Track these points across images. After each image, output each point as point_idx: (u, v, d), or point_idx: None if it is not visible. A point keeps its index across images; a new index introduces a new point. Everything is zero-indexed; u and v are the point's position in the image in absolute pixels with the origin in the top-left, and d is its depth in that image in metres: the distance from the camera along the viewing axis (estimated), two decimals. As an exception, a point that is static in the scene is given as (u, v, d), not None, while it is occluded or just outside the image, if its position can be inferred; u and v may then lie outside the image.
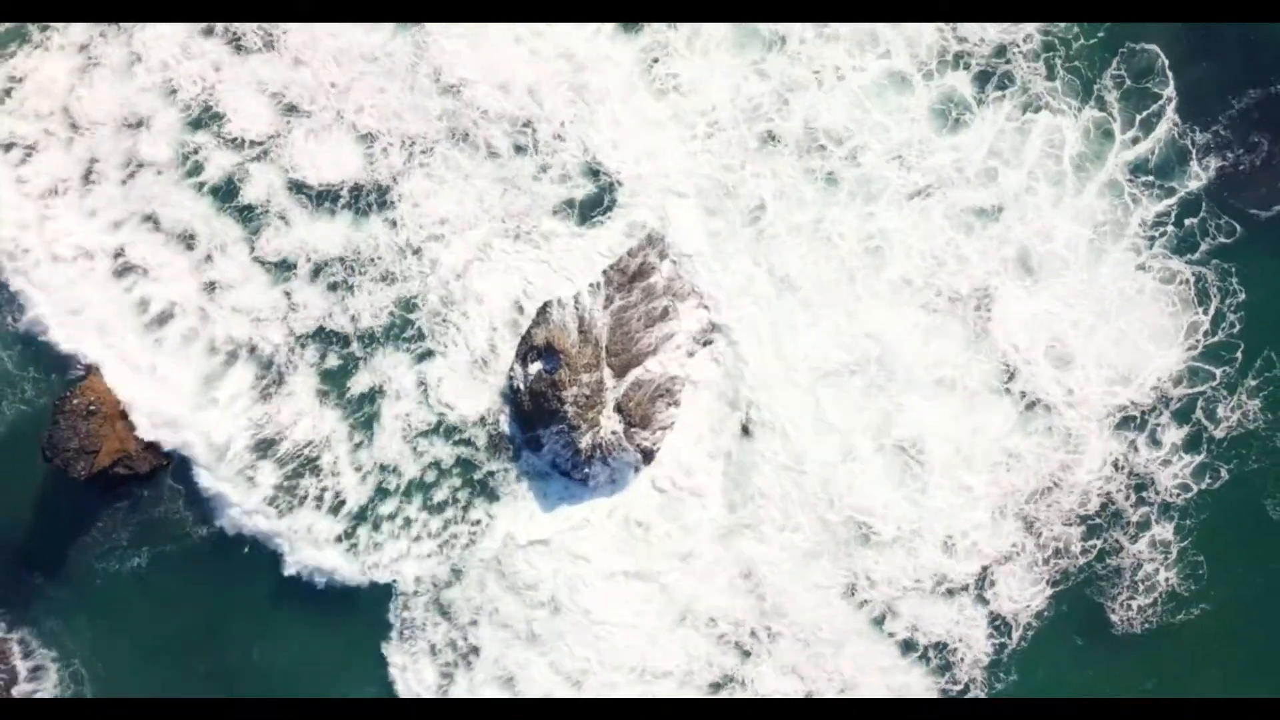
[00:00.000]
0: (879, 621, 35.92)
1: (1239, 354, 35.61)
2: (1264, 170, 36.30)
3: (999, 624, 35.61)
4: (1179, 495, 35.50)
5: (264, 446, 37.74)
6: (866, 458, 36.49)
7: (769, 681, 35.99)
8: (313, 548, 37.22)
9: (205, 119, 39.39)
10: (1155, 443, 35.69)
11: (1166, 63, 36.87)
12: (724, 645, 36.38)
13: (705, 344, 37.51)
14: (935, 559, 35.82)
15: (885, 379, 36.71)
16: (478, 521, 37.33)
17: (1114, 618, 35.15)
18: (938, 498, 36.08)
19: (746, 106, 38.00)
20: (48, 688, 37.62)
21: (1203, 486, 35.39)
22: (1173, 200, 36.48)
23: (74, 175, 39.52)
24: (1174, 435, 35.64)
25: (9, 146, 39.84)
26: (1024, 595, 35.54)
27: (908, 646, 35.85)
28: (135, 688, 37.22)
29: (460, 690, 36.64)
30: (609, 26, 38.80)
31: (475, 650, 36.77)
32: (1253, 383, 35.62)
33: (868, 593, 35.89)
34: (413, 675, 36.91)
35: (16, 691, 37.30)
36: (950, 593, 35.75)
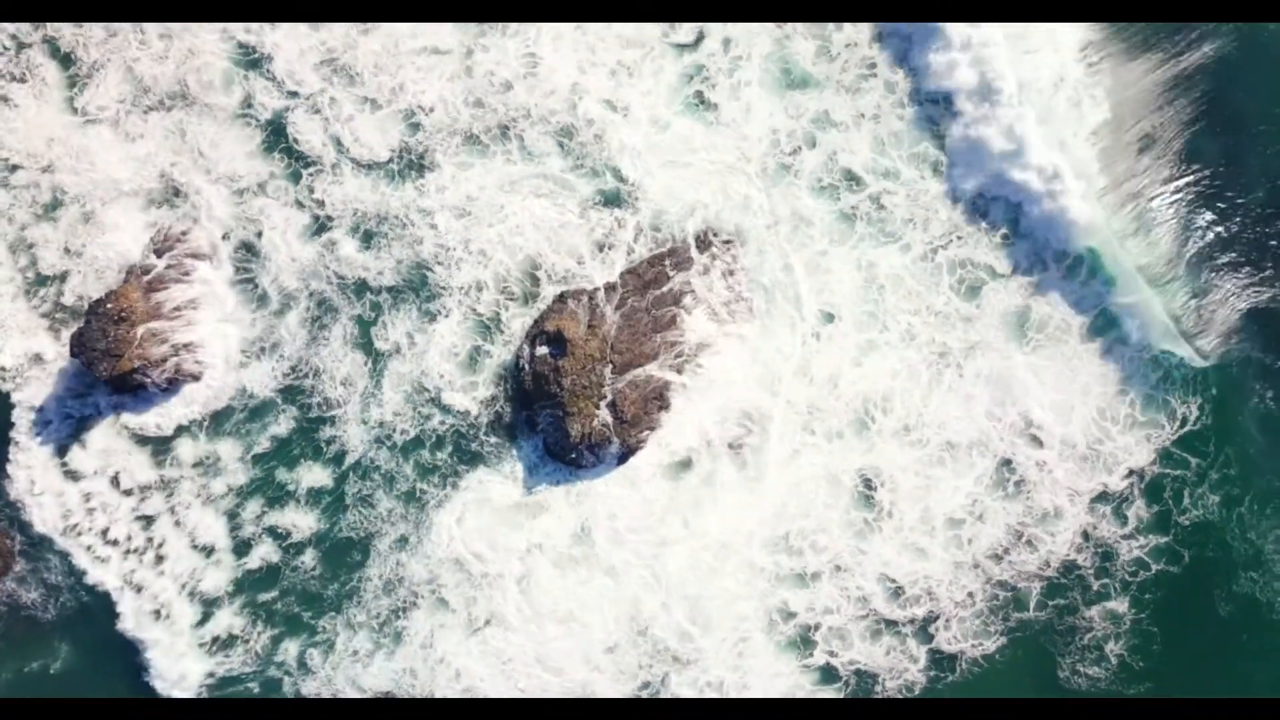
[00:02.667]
0: (798, 645, 37.04)
1: (1211, 446, 36.45)
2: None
3: (940, 660, 36.26)
4: (1138, 572, 36.30)
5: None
6: (829, 494, 37.80)
7: (686, 692, 37.02)
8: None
9: (251, 62, 42.18)
10: (1121, 517, 36.70)
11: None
12: (645, 654, 37.55)
13: (706, 358, 39.38)
14: (882, 601, 36.85)
15: (868, 421, 38.23)
16: (454, 481, 39.07)
17: (1061, 674, 35.63)
18: (894, 539, 37.18)
19: (775, 139, 40.08)
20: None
21: (1160, 567, 36.12)
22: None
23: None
24: (1141, 512, 36.54)
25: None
26: (972, 639, 36.23)
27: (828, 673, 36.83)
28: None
29: (383, 659, 38.29)
30: (658, 42, 41.17)
31: (403, 631, 38.43)
32: (1215, 475, 36.40)
33: (801, 620, 37.09)
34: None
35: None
36: (892, 624, 36.66)
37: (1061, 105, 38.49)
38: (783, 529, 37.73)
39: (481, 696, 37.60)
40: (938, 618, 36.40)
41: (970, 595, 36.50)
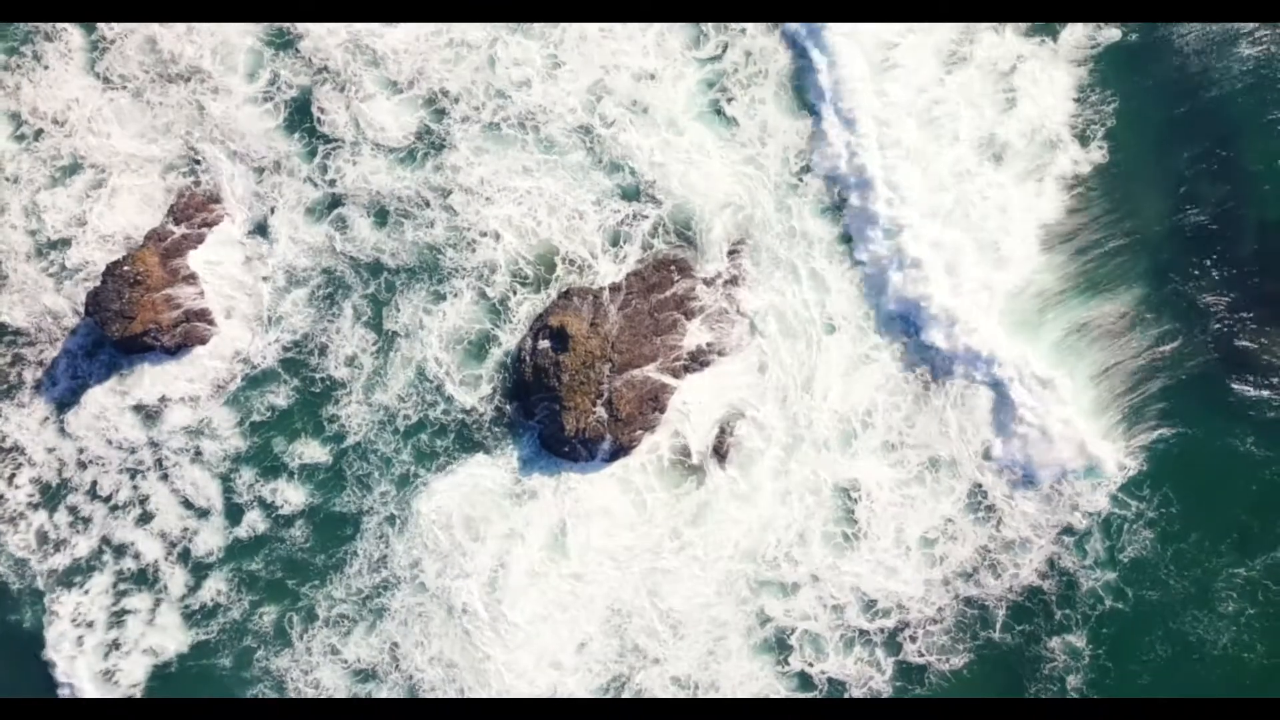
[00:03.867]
0: (774, 648, 38.04)
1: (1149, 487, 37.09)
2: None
3: (908, 670, 37.43)
4: (1094, 606, 37.24)
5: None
6: (810, 508, 38.81)
7: (656, 690, 38.06)
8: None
9: (278, 40, 43.20)
10: (1082, 550, 37.65)
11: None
12: (617, 651, 38.63)
13: (703, 364, 40.58)
14: (855, 611, 37.84)
15: (850, 439, 39.08)
16: (450, 467, 40.09)
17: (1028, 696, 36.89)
18: (868, 553, 38.16)
19: (785, 157, 40.66)
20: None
21: (1110, 604, 36.72)
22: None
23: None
24: (1098, 547, 37.24)
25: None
26: (939, 653, 37.49)
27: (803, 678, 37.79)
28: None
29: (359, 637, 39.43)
30: (678, 47, 41.89)
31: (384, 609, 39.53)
32: (1152, 514, 36.96)
33: (779, 624, 38.06)
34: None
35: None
36: (864, 633, 37.71)
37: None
38: (767, 537, 38.73)
39: (460, 684, 38.77)
40: (906, 626, 37.59)
41: (940, 610, 37.74)
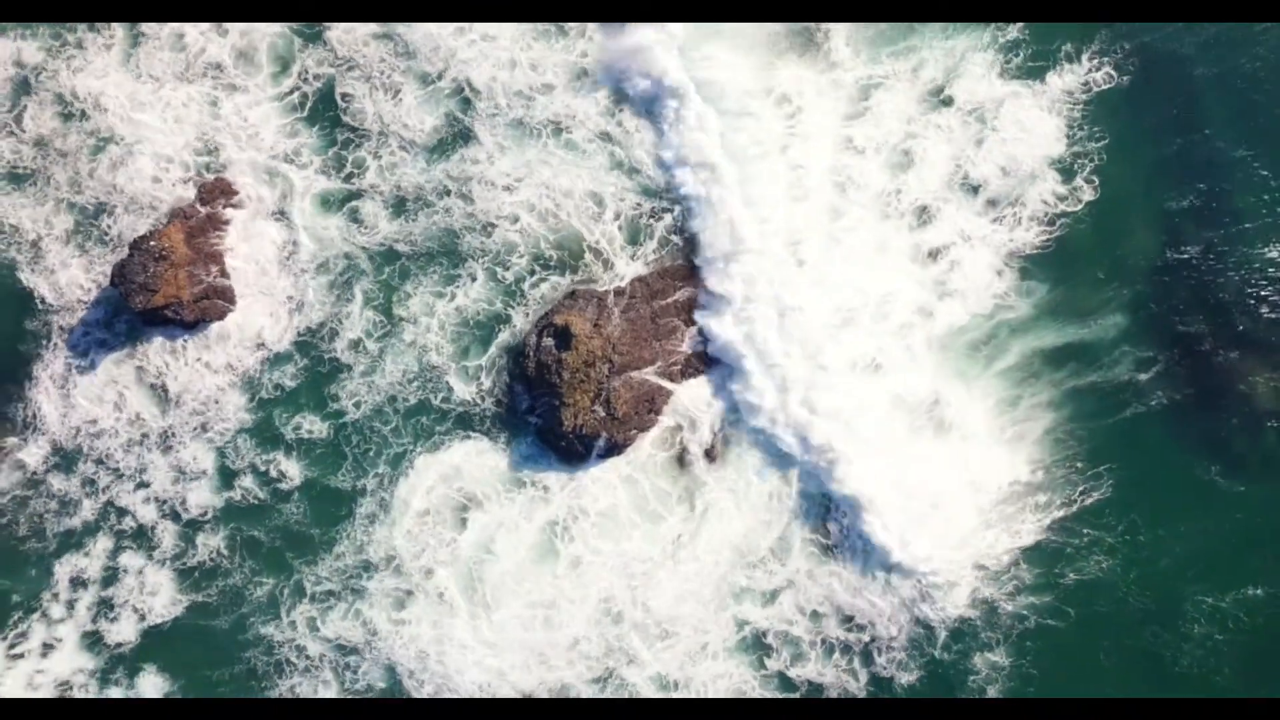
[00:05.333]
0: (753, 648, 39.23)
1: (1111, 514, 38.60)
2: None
3: (880, 681, 38.58)
4: (1021, 623, 38.30)
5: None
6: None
7: (643, 690, 39.13)
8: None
9: (311, 33, 44.67)
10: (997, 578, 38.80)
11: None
12: (601, 648, 39.73)
13: (698, 372, 42.01)
14: (834, 624, 39.22)
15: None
16: (444, 452, 41.42)
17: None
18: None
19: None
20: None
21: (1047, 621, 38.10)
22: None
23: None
24: (1027, 576, 38.51)
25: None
26: (899, 668, 38.59)
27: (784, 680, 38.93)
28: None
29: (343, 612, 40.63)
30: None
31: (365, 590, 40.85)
32: (1112, 540, 38.32)
33: (757, 627, 39.38)
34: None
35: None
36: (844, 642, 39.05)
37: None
38: (753, 542, 39.90)
39: (437, 670, 39.90)
40: (874, 640, 38.76)
41: (899, 629, 38.81)
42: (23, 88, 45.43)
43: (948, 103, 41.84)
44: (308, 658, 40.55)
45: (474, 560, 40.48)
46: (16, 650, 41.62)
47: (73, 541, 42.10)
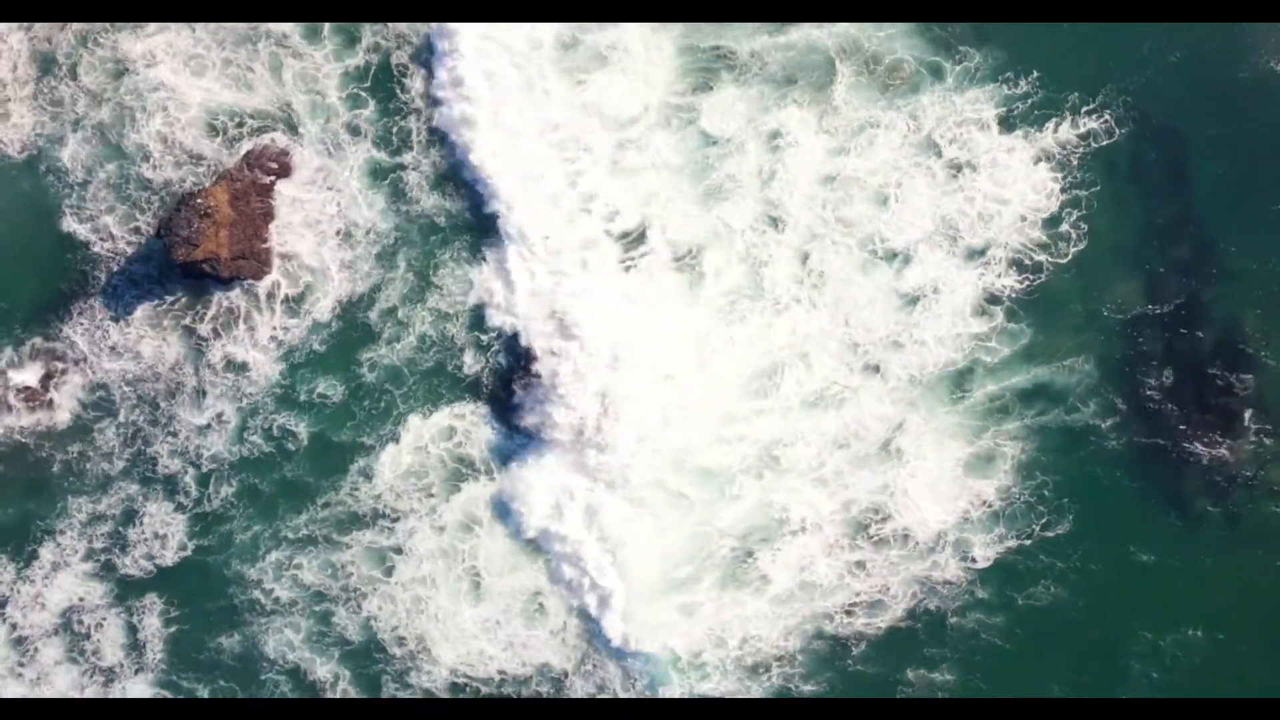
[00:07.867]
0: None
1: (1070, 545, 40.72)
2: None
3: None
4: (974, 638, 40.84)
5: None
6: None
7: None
8: None
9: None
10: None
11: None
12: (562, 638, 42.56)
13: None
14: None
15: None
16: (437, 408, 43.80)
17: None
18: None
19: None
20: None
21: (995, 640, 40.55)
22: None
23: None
24: (986, 595, 40.72)
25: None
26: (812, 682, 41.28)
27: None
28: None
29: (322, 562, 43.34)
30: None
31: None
32: (1074, 573, 40.49)
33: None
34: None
35: None
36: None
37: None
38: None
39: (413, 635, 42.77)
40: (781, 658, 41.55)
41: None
42: (82, 41, 46.74)
43: (939, 152, 42.84)
44: (286, 603, 43.23)
45: (452, 528, 42.97)
46: (28, 572, 44.13)
47: (98, 480, 44.64)
